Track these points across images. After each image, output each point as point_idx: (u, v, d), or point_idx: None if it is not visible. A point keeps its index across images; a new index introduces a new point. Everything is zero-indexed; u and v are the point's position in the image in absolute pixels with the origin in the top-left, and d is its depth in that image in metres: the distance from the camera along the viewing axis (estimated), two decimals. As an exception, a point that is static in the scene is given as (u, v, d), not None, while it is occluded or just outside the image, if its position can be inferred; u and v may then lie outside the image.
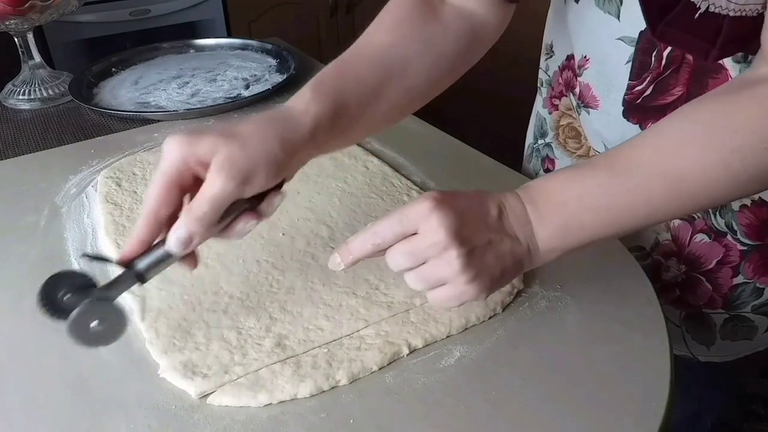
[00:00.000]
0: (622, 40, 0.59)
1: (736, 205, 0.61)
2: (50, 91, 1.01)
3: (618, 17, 0.59)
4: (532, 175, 0.81)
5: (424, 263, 0.45)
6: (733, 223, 0.61)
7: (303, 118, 0.47)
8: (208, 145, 0.43)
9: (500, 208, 0.46)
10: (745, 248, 0.62)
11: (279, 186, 0.48)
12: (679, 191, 0.45)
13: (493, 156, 0.78)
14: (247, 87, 1.02)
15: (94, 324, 0.44)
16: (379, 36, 0.57)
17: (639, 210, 0.45)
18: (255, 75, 1.07)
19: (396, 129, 0.88)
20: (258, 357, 0.48)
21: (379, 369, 0.48)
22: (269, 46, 1.17)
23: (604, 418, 0.43)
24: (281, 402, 0.45)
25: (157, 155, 0.78)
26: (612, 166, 0.46)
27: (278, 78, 1.04)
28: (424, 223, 0.44)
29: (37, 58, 1.04)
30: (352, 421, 0.44)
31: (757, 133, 0.43)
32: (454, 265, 0.44)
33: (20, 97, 1.00)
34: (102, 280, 0.46)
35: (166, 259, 0.45)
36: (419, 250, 0.44)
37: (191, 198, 0.45)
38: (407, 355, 0.49)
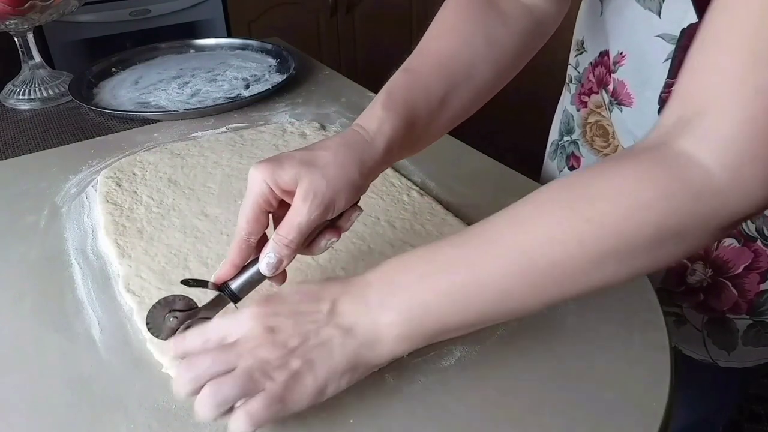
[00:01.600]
0: (661, 38, 0.58)
1: None
2: (50, 91, 1.01)
3: (659, 14, 0.57)
4: (554, 173, 0.80)
5: (226, 376, 0.40)
6: (764, 229, 0.60)
7: (377, 139, 0.49)
8: (290, 175, 0.46)
9: (333, 303, 0.42)
10: None
11: (356, 202, 0.50)
12: (528, 270, 0.39)
13: (494, 157, 0.78)
14: (247, 87, 1.02)
15: None
16: (442, 41, 0.57)
17: (489, 291, 0.40)
18: (255, 75, 1.07)
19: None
20: (258, 357, 0.48)
21: (379, 369, 0.48)
22: (269, 46, 1.17)
23: (604, 419, 0.43)
24: (281, 402, 0.45)
25: (157, 155, 0.78)
26: (461, 242, 0.42)
27: (278, 78, 1.04)
28: (243, 328, 0.42)
29: (37, 58, 1.04)
30: (351, 421, 0.44)
31: (620, 199, 0.37)
32: (265, 363, 0.40)
33: (20, 97, 1.00)
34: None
35: (258, 279, 0.49)
36: (229, 356, 0.40)
37: (275, 219, 0.49)
38: (407, 355, 0.49)
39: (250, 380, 0.39)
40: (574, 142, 0.76)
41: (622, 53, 0.64)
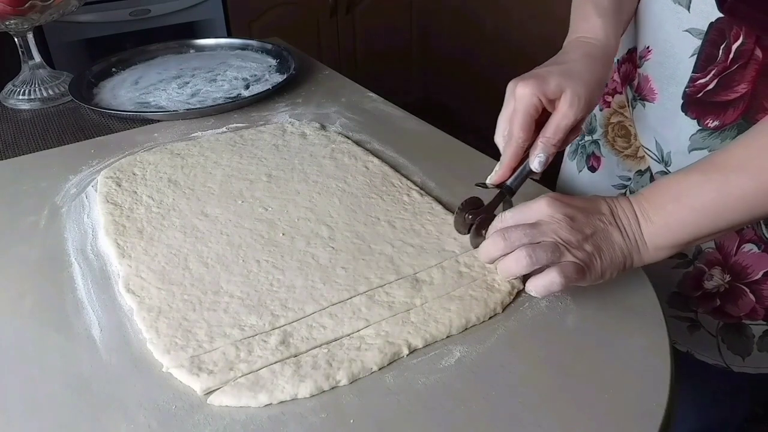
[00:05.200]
0: (689, 32, 0.59)
1: None
2: (50, 91, 1.01)
3: (688, 8, 0.58)
4: (573, 173, 0.80)
5: (537, 243, 0.50)
6: None
7: (608, 49, 0.59)
8: (555, 85, 0.54)
9: (611, 207, 0.52)
10: None
11: None
12: None
13: (495, 157, 0.77)
14: (247, 87, 1.02)
15: (484, 232, 0.56)
16: None
17: (733, 207, 0.48)
18: (255, 75, 1.07)
19: (396, 129, 0.88)
20: (263, 354, 0.48)
21: (379, 369, 0.48)
22: (269, 46, 1.17)
23: (604, 418, 0.43)
24: (281, 402, 0.45)
25: (157, 155, 0.78)
26: (706, 167, 0.49)
27: (278, 78, 1.04)
28: (542, 213, 0.51)
29: (37, 58, 1.04)
30: (352, 421, 0.44)
31: None
32: (567, 242, 0.49)
33: (20, 97, 1.00)
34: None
35: (526, 176, 0.58)
36: (536, 231, 0.50)
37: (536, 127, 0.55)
38: (407, 355, 0.49)
39: (557, 250, 0.49)
40: (595, 142, 0.77)
41: (648, 48, 0.65)
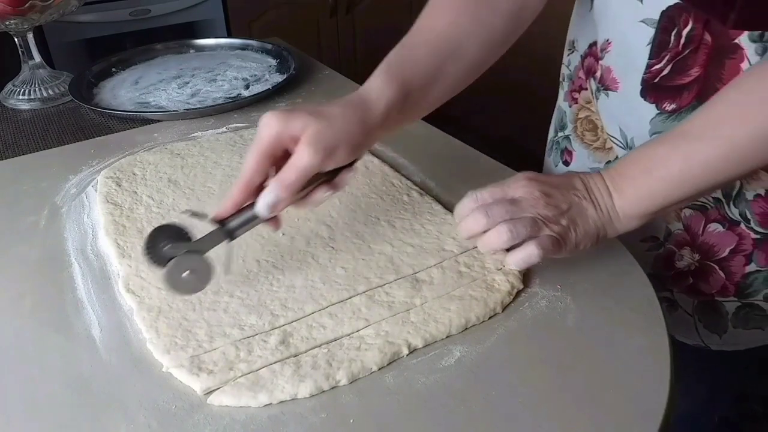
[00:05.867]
0: (644, 23, 0.61)
1: (750, 195, 0.62)
2: (50, 91, 1.01)
3: (641, 0, 0.60)
4: (551, 168, 0.82)
5: (517, 219, 0.52)
6: (747, 212, 0.63)
7: (378, 103, 0.54)
8: (299, 122, 0.50)
9: (585, 182, 0.54)
10: (758, 237, 0.64)
11: (351, 163, 0.54)
12: (733, 154, 0.50)
13: (495, 156, 0.78)
14: (247, 87, 1.02)
15: (185, 274, 0.50)
16: (434, 20, 0.62)
17: (698, 174, 0.51)
18: (255, 75, 1.07)
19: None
20: (262, 354, 0.48)
21: (379, 369, 0.48)
22: (269, 46, 1.17)
23: (604, 418, 0.44)
24: (281, 402, 0.45)
25: (157, 155, 0.78)
26: (673, 139, 0.52)
27: (278, 78, 1.04)
28: (520, 190, 0.53)
29: (37, 58, 1.04)
30: (352, 421, 0.44)
31: None
32: (545, 217, 0.52)
33: (20, 97, 1.00)
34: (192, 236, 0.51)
35: (254, 220, 0.52)
36: (516, 208, 0.52)
37: (276, 170, 0.51)
38: (407, 355, 0.49)
39: (536, 225, 0.52)
40: (567, 138, 0.79)
41: (608, 41, 0.67)
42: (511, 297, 0.54)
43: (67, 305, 0.55)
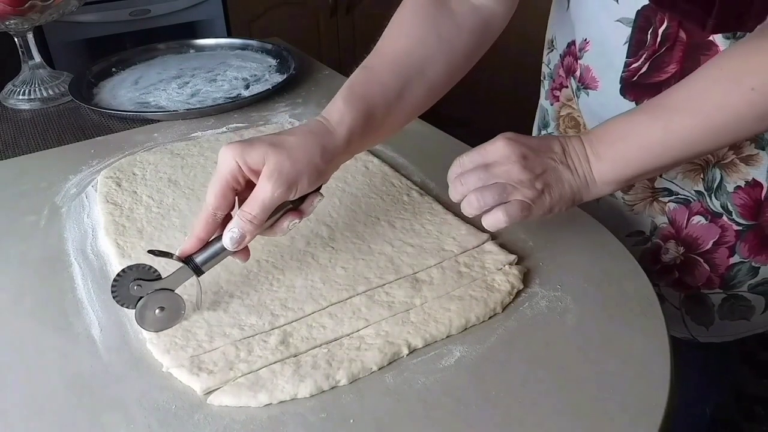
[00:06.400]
0: (620, 22, 0.62)
1: (731, 187, 0.63)
2: (50, 91, 1.01)
3: (617, 0, 0.61)
4: None
5: (485, 187, 0.53)
6: (728, 204, 0.64)
7: (339, 129, 0.53)
8: (258, 154, 0.49)
9: (563, 145, 0.55)
10: (740, 228, 0.65)
11: (318, 188, 0.54)
12: (710, 127, 0.50)
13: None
14: (247, 87, 1.02)
15: (157, 311, 0.50)
16: (397, 40, 0.61)
17: (676, 145, 0.52)
18: (255, 75, 1.07)
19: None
20: (262, 354, 0.48)
21: (379, 369, 0.48)
22: (269, 46, 1.17)
23: (604, 418, 0.43)
24: (281, 402, 0.45)
25: (157, 155, 0.78)
26: (653, 109, 0.53)
27: (278, 78, 1.04)
28: (498, 153, 0.53)
29: (37, 58, 1.04)
30: (352, 421, 0.44)
31: None
32: (518, 182, 0.52)
33: (20, 97, 1.00)
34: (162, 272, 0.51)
35: (221, 253, 0.51)
36: (491, 172, 0.53)
37: (240, 200, 0.51)
38: (407, 355, 0.49)
39: (504, 191, 0.53)
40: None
41: (586, 40, 0.68)
42: (511, 297, 0.54)
43: (67, 305, 0.55)
